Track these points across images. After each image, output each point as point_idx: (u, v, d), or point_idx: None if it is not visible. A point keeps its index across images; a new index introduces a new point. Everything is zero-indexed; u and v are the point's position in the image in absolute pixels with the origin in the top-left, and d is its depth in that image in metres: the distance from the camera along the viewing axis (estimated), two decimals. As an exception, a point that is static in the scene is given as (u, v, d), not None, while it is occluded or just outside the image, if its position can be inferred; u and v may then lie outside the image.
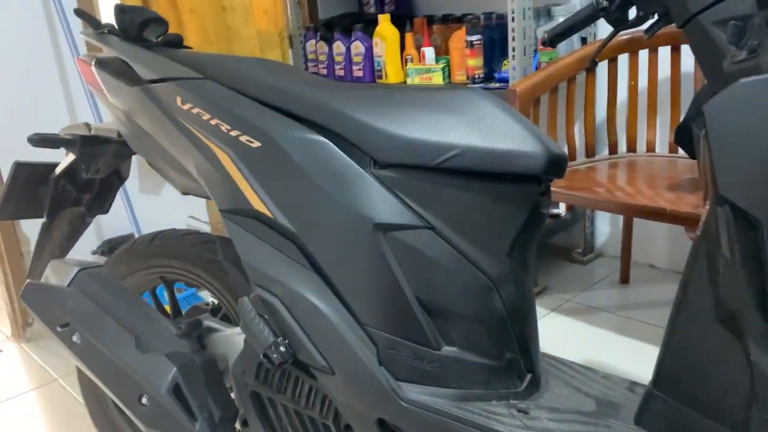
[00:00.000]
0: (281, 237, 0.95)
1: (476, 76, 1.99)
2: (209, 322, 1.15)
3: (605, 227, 2.26)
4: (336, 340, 0.91)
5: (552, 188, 1.66)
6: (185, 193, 1.16)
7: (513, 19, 1.77)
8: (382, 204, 0.90)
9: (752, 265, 0.74)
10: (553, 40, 1.18)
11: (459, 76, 2.05)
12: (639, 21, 1.09)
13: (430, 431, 0.89)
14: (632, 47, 1.81)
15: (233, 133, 0.97)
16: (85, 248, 2.08)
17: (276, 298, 0.94)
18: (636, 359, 1.69)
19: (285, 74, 1.01)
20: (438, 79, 2.07)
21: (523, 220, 0.92)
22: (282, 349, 0.92)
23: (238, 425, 1.08)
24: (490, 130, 0.89)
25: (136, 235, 2.05)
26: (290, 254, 0.94)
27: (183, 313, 1.29)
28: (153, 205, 2.30)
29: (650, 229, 2.11)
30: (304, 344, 0.92)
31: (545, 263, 2.20)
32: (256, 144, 0.95)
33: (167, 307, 1.29)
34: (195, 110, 1.00)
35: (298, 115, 0.94)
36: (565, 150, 1.90)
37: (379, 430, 0.93)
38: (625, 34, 1.78)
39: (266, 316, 0.95)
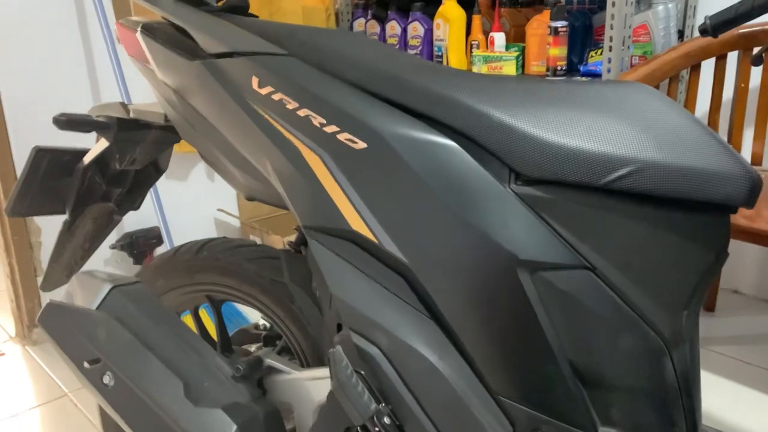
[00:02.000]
0: (388, 269, 0.73)
1: (558, 68, 1.75)
2: (271, 360, 0.93)
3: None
4: (458, 412, 0.70)
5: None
6: (250, 199, 0.93)
7: (614, 4, 1.53)
8: (527, 233, 0.68)
9: None
10: (717, 28, 0.94)
11: (536, 67, 1.81)
12: None
13: None
14: (746, 44, 1.57)
15: (329, 130, 0.74)
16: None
17: (378, 349, 0.72)
18: (731, 404, 1.47)
19: (394, 56, 0.79)
20: (510, 69, 1.83)
21: (710, 263, 0.69)
22: (386, 420, 0.70)
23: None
24: (675, 142, 0.67)
25: (162, 228, 1.82)
26: (399, 293, 0.72)
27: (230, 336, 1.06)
28: (179, 194, 2.06)
29: (736, 252, 1.89)
30: (415, 415, 0.71)
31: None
32: (361, 145, 0.72)
33: (209, 321, 1.07)
34: (276, 96, 0.77)
35: (416, 110, 0.71)
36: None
37: None
38: (740, 27, 1.54)
39: (363, 372, 0.72)
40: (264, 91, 0.78)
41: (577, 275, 0.68)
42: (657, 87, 1.53)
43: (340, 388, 0.72)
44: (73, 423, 1.49)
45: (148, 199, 1.82)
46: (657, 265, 0.69)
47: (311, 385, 0.88)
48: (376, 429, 0.70)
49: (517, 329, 0.68)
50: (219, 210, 2.09)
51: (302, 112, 0.76)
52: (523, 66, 1.87)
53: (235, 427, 0.79)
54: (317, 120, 0.75)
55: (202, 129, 0.90)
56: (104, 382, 0.83)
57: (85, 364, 0.85)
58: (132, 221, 1.94)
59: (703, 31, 0.95)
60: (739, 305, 1.88)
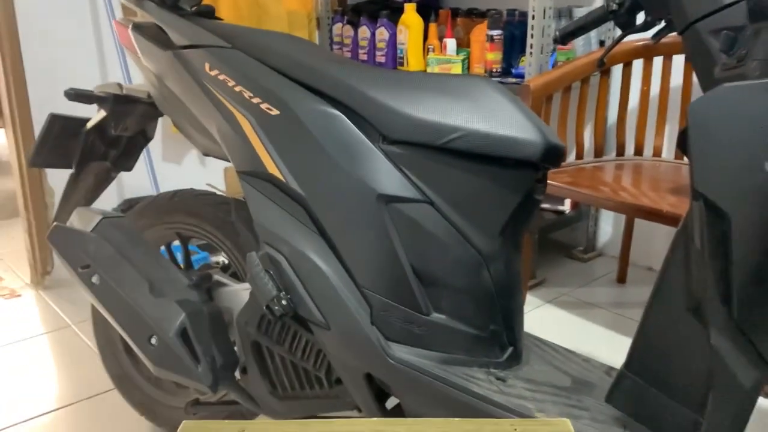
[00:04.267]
0: (291, 200, 1.02)
1: (494, 70, 2.04)
2: (219, 276, 1.23)
3: (608, 228, 2.31)
4: (334, 299, 0.99)
5: (557, 183, 1.73)
6: (206, 154, 1.24)
7: (533, 17, 1.83)
8: (387, 177, 0.97)
9: (720, 257, 0.80)
10: (564, 38, 1.24)
11: (477, 69, 2.11)
12: (646, 26, 1.14)
13: (413, 388, 0.97)
14: (647, 53, 1.85)
15: (255, 100, 1.04)
16: (106, 206, 2.16)
17: (282, 256, 1.02)
18: (624, 354, 1.75)
19: (309, 50, 1.08)
20: (457, 70, 2.13)
21: (517, 203, 0.98)
22: (284, 302, 1.00)
23: (237, 374, 1.16)
24: (493, 117, 0.96)
25: (156, 197, 2.14)
26: (298, 217, 1.02)
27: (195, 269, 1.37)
28: (173, 171, 2.39)
29: (651, 232, 2.17)
30: (305, 300, 1.00)
31: (546, 257, 2.26)
32: (275, 112, 1.02)
33: (181, 265, 1.37)
34: (221, 76, 1.08)
35: (316, 88, 1.01)
36: (574, 146, 1.95)
37: (367, 384, 1.00)
38: (640, 40, 1.83)
39: (271, 272, 1.02)
40: (213, 73, 1.09)
41: (419, 207, 0.97)
42: (569, 88, 1.82)
43: (252, 280, 1.03)
44: (74, 347, 1.81)
45: (146, 172, 2.15)
46: (476, 202, 0.98)
47: (246, 294, 1.18)
48: (276, 308, 1.00)
49: (376, 242, 0.97)
50: (208, 184, 2.41)
51: (237, 88, 1.06)
52: (468, 68, 2.17)
53: (183, 314, 1.08)
54: (247, 93, 1.05)
55: (173, 102, 1.21)
56: (93, 281, 1.14)
57: (79, 269, 1.15)
58: (132, 191, 2.27)
59: (555, 40, 1.25)
60: (650, 279, 2.16)
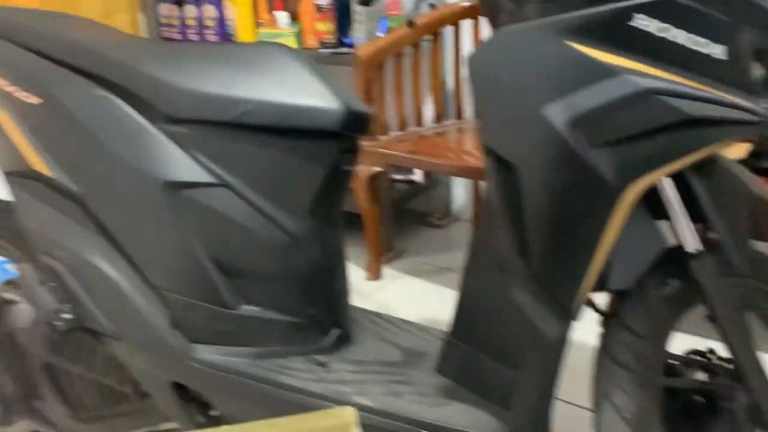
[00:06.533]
0: (64, 199, 0.90)
1: (326, 41, 1.97)
2: (9, 294, 1.08)
3: (461, 192, 2.32)
4: (123, 305, 0.89)
5: (398, 153, 1.69)
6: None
7: (351, -17, 1.76)
8: (173, 161, 0.87)
9: (512, 210, 0.77)
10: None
11: (310, 41, 2.02)
12: None
13: (223, 390, 0.88)
14: (473, 14, 1.85)
15: (9, 89, 0.90)
16: None
17: (61, 264, 0.90)
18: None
19: (83, 29, 0.96)
20: (291, 43, 2.03)
21: (324, 177, 0.91)
22: (65, 316, 0.88)
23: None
24: (286, 85, 0.88)
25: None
26: (74, 217, 0.90)
27: None
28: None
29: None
30: (89, 310, 0.89)
31: (403, 228, 2.23)
32: (36, 100, 0.89)
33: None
34: (-27, 66, 0.92)
35: (86, 70, 0.89)
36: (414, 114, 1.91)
37: (175, 393, 0.91)
38: (467, 1, 1.81)
39: (53, 283, 0.90)
40: None
41: (214, 191, 0.88)
42: (400, 54, 1.77)
43: (27, 295, 0.90)
44: None
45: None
46: (278, 180, 0.90)
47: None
48: (59, 324, 0.88)
49: (167, 236, 0.87)
50: None
51: (-9, 77, 0.91)
52: (301, 41, 2.07)
53: None
54: (2, 81, 0.91)
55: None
56: None
57: None
58: None
59: (360, 3, 1.19)
60: (504, 239, 2.19)
